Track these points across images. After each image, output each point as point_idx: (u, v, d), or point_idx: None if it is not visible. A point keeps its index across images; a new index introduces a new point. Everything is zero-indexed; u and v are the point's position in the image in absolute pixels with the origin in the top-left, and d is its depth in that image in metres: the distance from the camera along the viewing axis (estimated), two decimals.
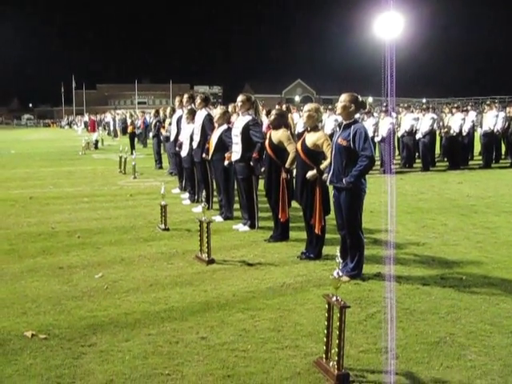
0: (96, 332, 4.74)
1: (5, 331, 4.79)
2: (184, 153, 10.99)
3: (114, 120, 41.88)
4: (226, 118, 9.54)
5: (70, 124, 72.98)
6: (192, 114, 10.72)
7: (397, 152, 19.97)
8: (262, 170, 8.23)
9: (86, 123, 56.69)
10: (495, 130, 18.46)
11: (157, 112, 18.60)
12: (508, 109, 19.28)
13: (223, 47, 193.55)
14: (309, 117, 6.86)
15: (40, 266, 6.78)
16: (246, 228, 8.64)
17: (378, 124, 17.29)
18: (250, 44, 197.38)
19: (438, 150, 19.66)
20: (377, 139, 17.15)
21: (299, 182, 6.95)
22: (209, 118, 10.09)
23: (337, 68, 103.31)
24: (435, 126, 18.05)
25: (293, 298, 5.58)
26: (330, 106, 19.43)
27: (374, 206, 10.10)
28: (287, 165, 7.55)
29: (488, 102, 21.20)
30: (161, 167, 18.18)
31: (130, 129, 24.85)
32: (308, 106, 7.04)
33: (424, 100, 68.13)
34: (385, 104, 16.73)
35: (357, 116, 6.39)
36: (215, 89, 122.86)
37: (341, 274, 3.94)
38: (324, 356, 4.05)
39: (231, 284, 6.02)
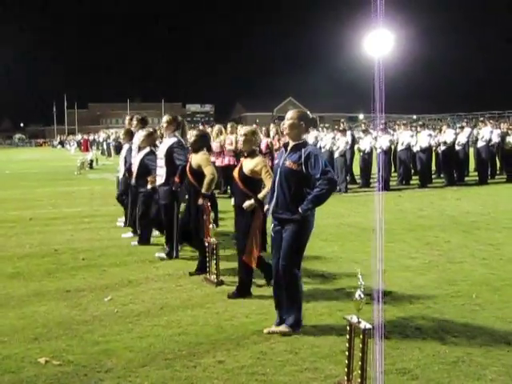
0: (111, 357, 4.69)
1: (17, 358, 4.73)
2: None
3: (107, 139, 41.84)
4: (150, 140, 9.07)
5: (62, 143, 72.80)
6: (128, 134, 10.25)
7: (393, 168, 20.02)
8: (187, 196, 7.96)
9: (78, 143, 56.62)
10: (490, 145, 18.60)
11: (154, 131, 18.54)
12: (502, 125, 19.45)
13: (214, 65, 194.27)
14: (245, 141, 6.32)
15: (47, 290, 6.72)
16: (162, 255, 8.20)
17: (376, 141, 17.36)
18: (240, 62, 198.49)
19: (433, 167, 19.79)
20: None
21: (237, 212, 6.39)
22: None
23: (328, 85, 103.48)
24: (432, 142, 18.14)
25: (306, 318, 5.53)
26: (326, 125, 19.48)
27: (375, 224, 10.10)
28: (204, 189, 7.10)
29: (482, 119, 21.31)
30: None
31: None
32: (244, 130, 6.55)
33: (414, 116, 68.62)
34: (383, 121, 16.83)
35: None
36: (207, 107, 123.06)
37: (362, 296, 3.91)
38: (346, 378, 4.02)
39: (243, 306, 5.98)
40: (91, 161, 28.64)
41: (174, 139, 8.19)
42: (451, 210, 12.56)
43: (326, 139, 17.89)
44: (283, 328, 5.20)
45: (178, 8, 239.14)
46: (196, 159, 7.29)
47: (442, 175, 19.14)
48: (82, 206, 14.02)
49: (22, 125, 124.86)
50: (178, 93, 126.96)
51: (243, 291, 6.31)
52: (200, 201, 7.07)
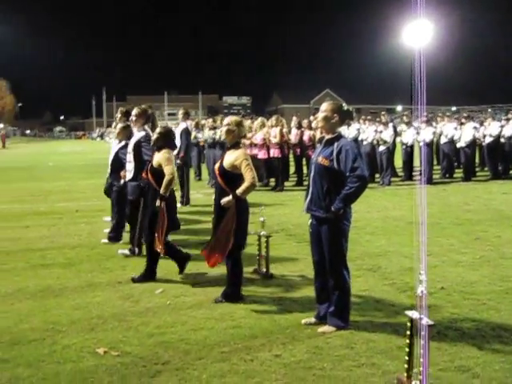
0: (167, 350, 4.72)
1: (77, 348, 4.81)
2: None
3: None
4: (126, 133, 8.58)
5: (101, 136, 73.72)
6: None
7: (435, 161, 19.72)
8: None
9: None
10: None
11: (197, 124, 18.71)
12: None
13: (251, 57, 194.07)
14: (228, 131, 5.95)
15: (98, 281, 6.81)
16: (126, 252, 8.06)
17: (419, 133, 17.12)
18: (278, 53, 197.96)
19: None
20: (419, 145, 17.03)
21: (215, 209, 6.00)
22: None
23: (366, 77, 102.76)
24: (476, 135, 17.80)
25: (359, 313, 5.50)
26: (369, 117, 19.29)
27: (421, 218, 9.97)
28: (161, 190, 6.62)
29: None
30: (200, 179, 18.26)
31: None
32: (227, 120, 6.11)
33: (454, 108, 67.51)
34: (425, 114, 16.58)
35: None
36: (244, 99, 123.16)
37: (425, 291, 3.84)
38: (405, 375, 3.97)
39: (295, 300, 5.97)
40: None
41: (142, 133, 7.91)
42: (498, 204, 12.33)
43: (368, 132, 17.71)
44: (327, 328, 5.11)
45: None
46: (157, 158, 6.82)
47: (486, 168, 18.81)
48: None
49: (62, 117, 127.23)
50: (215, 85, 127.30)
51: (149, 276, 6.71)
52: (157, 202, 6.63)
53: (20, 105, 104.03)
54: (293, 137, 16.61)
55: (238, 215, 5.75)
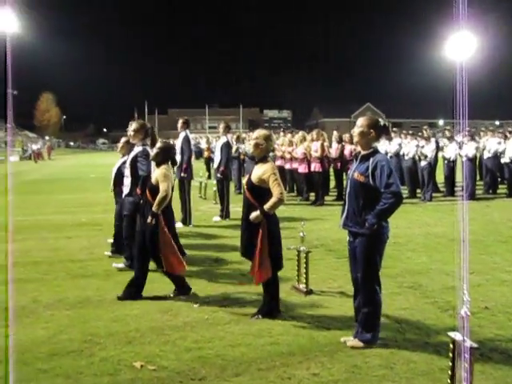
0: (204, 365, 4.69)
1: (114, 360, 4.82)
2: None
3: None
4: (128, 148, 8.49)
5: None
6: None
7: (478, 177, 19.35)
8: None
9: None
10: None
11: (238, 137, 18.79)
12: None
13: (292, 71, 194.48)
14: (256, 145, 5.87)
15: None
16: (121, 265, 7.99)
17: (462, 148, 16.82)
18: (318, 68, 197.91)
19: None
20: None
21: (243, 225, 5.91)
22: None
23: (407, 90, 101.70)
24: None
25: (399, 332, 5.39)
26: (410, 131, 19.05)
27: (463, 235, 9.76)
28: (154, 208, 6.44)
29: None
30: (240, 192, 18.25)
31: (206, 153, 25.10)
32: (256, 134, 6.00)
33: (497, 122, 66.35)
34: (468, 128, 16.28)
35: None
36: (285, 113, 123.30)
37: (468, 313, 3.73)
38: None
39: (334, 317, 5.87)
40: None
41: (140, 148, 7.85)
42: None
43: (409, 146, 17.49)
44: (356, 342, 5.05)
45: (255, 12, 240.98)
46: (155, 174, 6.73)
47: None
48: None
49: (104, 130, 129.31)
50: (256, 98, 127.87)
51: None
52: (149, 219, 6.46)
53: (64, 117, 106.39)
54: (333, 151, 16.55)
55: (269, 234, 5.68)
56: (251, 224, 5.70)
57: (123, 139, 8.78)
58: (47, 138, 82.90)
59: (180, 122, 12.43)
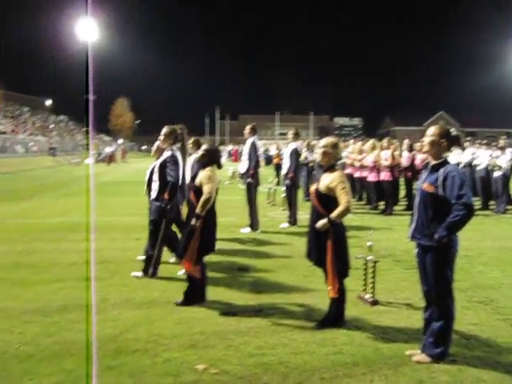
0: (266, 372, 4.68)
1: (177, 362, 4.87)
2: None
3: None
4: (162, 152, 8.26)
5: None
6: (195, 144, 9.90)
7: None
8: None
9: (229, 153, 58.44)
10: None
11: (308, 144, 18.72)
12: None
13: (363, 79, 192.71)
14: (324, 154, 5.81)
15: None
16: (139, 274, 7.86)
17: None
18: (391, 75, 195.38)
19: None
20: None
21: (310, 233, 5.88)
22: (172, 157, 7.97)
23: (483, 99, 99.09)
24: None
25: (468, 349, 5.21)
26: (484, 141, 18.52)
27: None
28: (197, 210, 6.37)
29: None
30: (309, 199, 18.15)
31: (276, 160, 25.18)
32: (323, 141, 5.94)
33: None
34: None
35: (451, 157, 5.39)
36: (355, 120, 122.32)
37: None
38: None
39: (400, 329, 5.74)
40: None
41: (168, 153, 7.87)
42: None
43: (482, 156, 16.97)
44: (423, 357, 4.91)
45: (328, 21, 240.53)
46: (200, 175, 6.65)
47: None
48: (235, 216, 14.22)
49: None
50: (326, 105, 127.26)
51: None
52: (193, 221, 6.40)
53: (138, 121, 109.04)
54: (404, 160, 16.24)
55: (336, 243, 5.61)
56: (318, 232, 5.66)
57: (156, 143, 8.69)
58: (121, 141, 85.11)
59: (247, 128, 12.47)
